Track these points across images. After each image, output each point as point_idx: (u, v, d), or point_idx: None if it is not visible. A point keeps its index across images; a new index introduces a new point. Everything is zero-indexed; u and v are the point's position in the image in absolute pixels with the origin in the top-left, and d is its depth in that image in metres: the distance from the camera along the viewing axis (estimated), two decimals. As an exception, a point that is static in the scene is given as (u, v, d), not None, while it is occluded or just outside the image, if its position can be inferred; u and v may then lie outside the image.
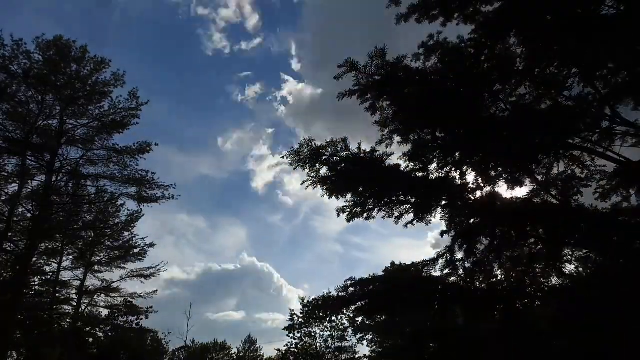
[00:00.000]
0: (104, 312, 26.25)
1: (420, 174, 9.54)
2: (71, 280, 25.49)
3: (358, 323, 34.96)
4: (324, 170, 9.29)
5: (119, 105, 19.21)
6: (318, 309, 29.80)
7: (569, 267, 10.67)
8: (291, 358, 33.19)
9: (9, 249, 18.31)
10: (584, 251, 9.82)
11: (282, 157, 9.32)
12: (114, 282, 25.97)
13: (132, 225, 24.79)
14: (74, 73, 18.37)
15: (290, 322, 34.03)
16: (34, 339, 20.42)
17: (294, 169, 9.25)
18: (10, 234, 18.05)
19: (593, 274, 9.91)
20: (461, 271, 10.11)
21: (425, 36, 8.69)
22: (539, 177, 9.49)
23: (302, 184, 9.46)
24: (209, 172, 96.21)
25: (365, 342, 36.52)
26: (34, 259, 20.20)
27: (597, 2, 7.37)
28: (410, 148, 9.40)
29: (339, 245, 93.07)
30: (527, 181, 9.41)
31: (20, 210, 19.08)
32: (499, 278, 10.53)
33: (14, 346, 20.48)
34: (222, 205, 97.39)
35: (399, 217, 9.71)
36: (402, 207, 9.56)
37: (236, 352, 41.07)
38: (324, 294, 18.95)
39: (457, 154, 9.27)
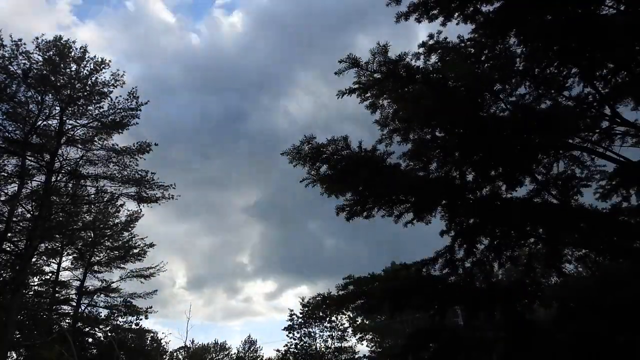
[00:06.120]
0: (104, 312, 26.30)
1: (420, 174, 9.54)
2: (71, 281, 25.59)
3: (358, 323, 35.01)
4: (324, 169, 9.26)
5: (119, 106, 19.25)
6: (318, 308, 29.82)
7: (569, 267, 10.67)
8: (291, 358, 33.18)
9: (8, 249, 18.30)
10: (584, 251, 9.81)
11: (282, 154, 9.26)
12: (113, 282, 26.03)
13: (132, 225, 24.88)
14: (73, 73, 18.39)
15: (289, 323, 34.05)
16: (34, 339, 20.39)
17: (294, 166, 9.21)
18: (10, 234, 18.04)
19: (593, 274, 9.92)
20: (461, 271, 10.09)
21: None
22: (539, 177, 9.48)
23: (301, 181, 9.43)
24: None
25: (365, 342, 36.61)
26: (33, 259, 20.20)
27: (597, 2, 7.38)
28: (410, 147, 9.40)
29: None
30: (527, 181, 9.41)
31: (20, 210, 19.10)
32: (499, 278, 10.51)
33: (13, 346, 20.45)
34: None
35: (398, 216, 9.69)
36: (401, 206, 9.55)
37: (236, 352, 41.15)
38: (324, 293, 18.95)
39: (457, 154, 9.26)
